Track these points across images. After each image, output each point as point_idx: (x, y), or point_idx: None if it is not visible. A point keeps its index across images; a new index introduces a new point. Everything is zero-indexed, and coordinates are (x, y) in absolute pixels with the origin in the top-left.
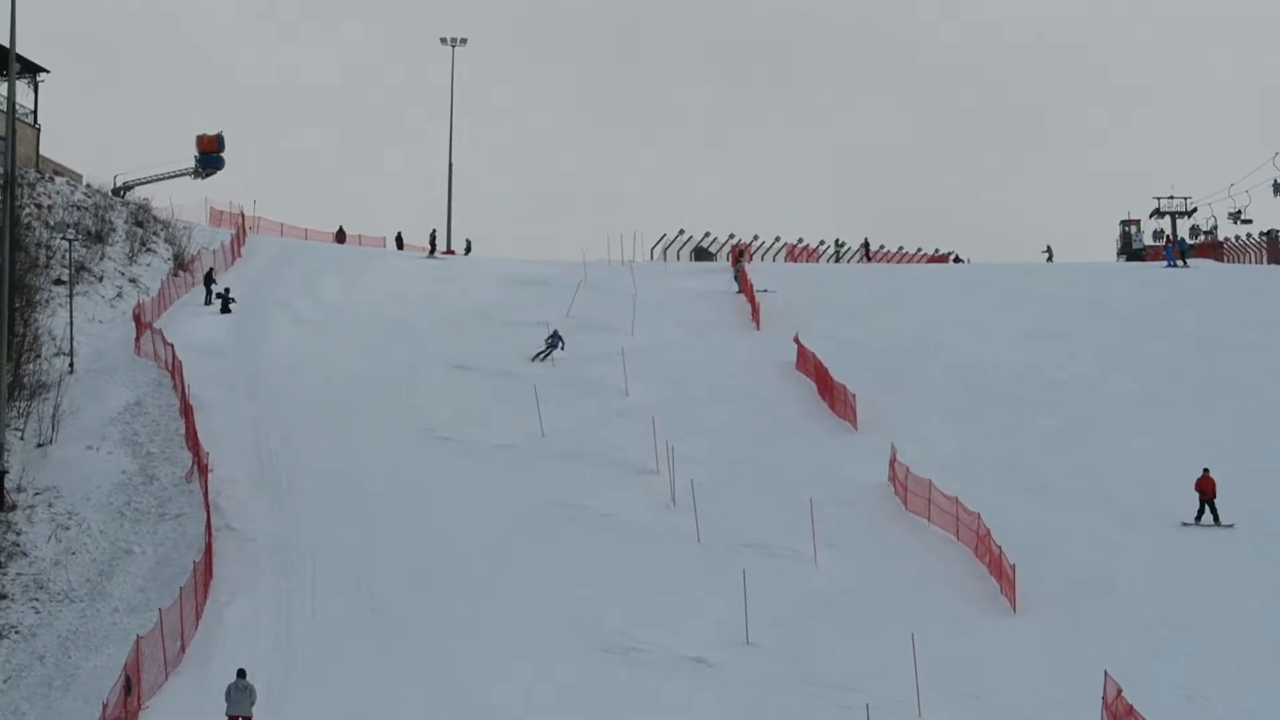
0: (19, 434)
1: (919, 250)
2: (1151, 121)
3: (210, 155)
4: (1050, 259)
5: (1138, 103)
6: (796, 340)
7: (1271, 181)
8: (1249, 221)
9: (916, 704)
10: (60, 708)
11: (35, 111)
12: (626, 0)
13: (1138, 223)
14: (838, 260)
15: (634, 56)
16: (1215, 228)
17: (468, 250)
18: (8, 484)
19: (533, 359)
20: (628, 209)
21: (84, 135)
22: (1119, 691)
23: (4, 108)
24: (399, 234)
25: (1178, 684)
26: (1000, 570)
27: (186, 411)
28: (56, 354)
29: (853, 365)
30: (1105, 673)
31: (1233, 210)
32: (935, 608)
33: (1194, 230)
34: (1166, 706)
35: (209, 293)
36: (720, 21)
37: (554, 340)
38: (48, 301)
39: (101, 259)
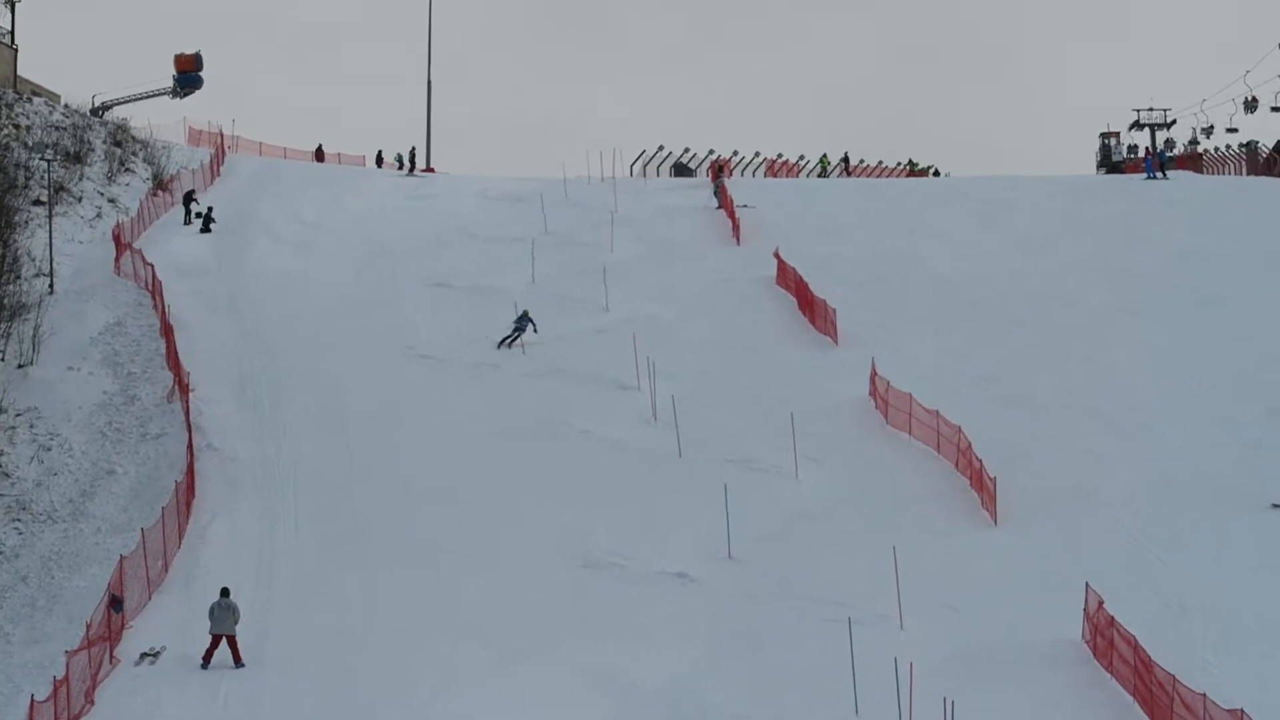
0: (0, 355)
1: (898, 164)
2: (1131, 33)
3: (188, 75)
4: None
5: (1116, 14)
6: (777, 255)
7: (1243, 98)
8: (1235, 130)
9: (898, 616)
10: (45, 627)
11: (12, 32)
12: None
13: (1117, 135)
14: (824, 175)
15: None
16: (1195, 140)
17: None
18: None
19: (499, 345)
20: (607, 126)
21: (62, 55)
22: (1100, 603)
23: None
24: (379, 152)
25: (1159, 594)
26: (981, 483)
27: (167, 331)
28: (36, 275)
29: (833, 280)
30: (1086, 584)
31: (1205, 126)
32: (916, 521)
33: (1169, 143)
34: (1147, 617)
35: (188, 212)
36: None
37: (522, 322)
38: (27, 222)
39: (80, 179)
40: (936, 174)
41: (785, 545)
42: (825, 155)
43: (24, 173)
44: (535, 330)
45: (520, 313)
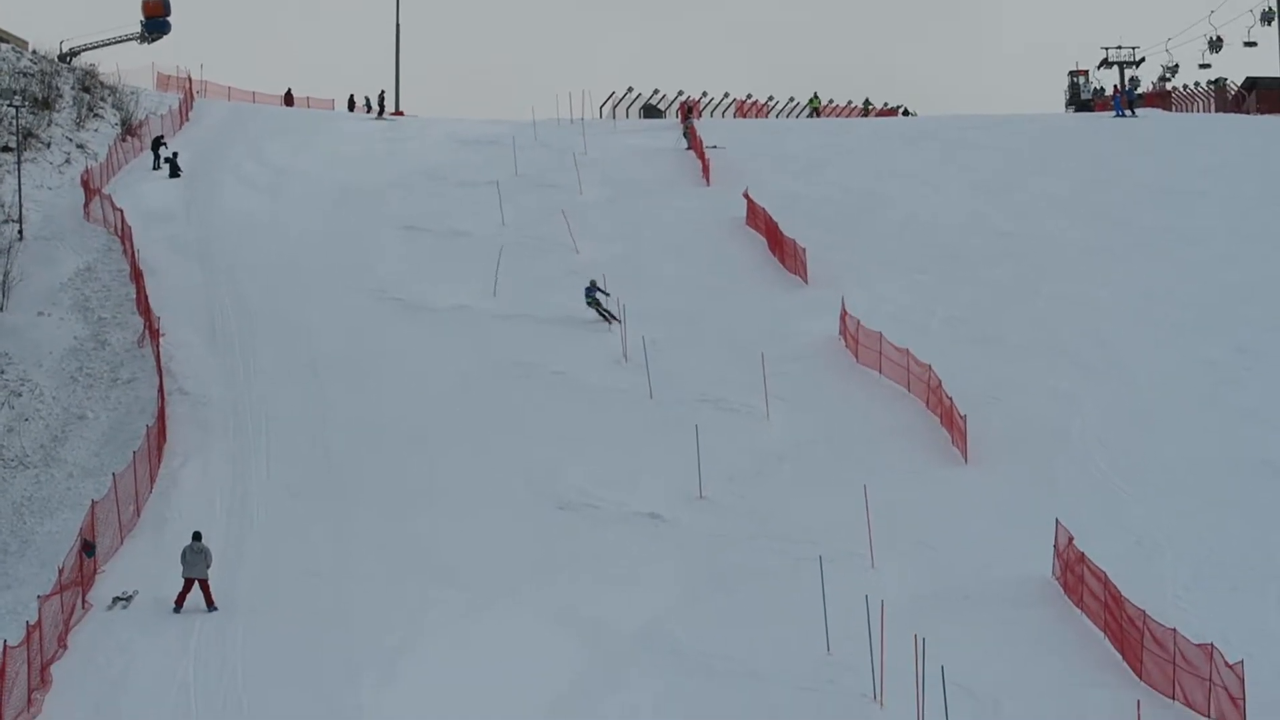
0: None
1: (867, 104)
2: None
3: (156, 20)
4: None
5: None
6: (746, 196)
7: (1208, 38)
8: (1208, 66)
9: (870, 554)
10: (16, 573)
11: None
12: None
13: (1085, 73)
14: (816, 114)
15: None
16: (1165, 78)
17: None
18: None
19: (602, 315)
20: (576, 69)
21: (29, 1)
22: (1070, 539)
23: None
24: (350, 96)
25: (1129, 531)
26: (952, 421)
27: (137, 276)
28: (5, 221)
29: (803, 220)
30: (1057, 521)
31: (1170, 64)
32: (887, 459)
33: (1134, 81)
34: (1118, 554)
35: (157, 158)
36: None
37: (592, 293)
38: None
39: (49, 125)
40: (906, 114)
41: (757, 485)
42: (816, 95)
43: None
44: (607, 294)
45: (589, 283)
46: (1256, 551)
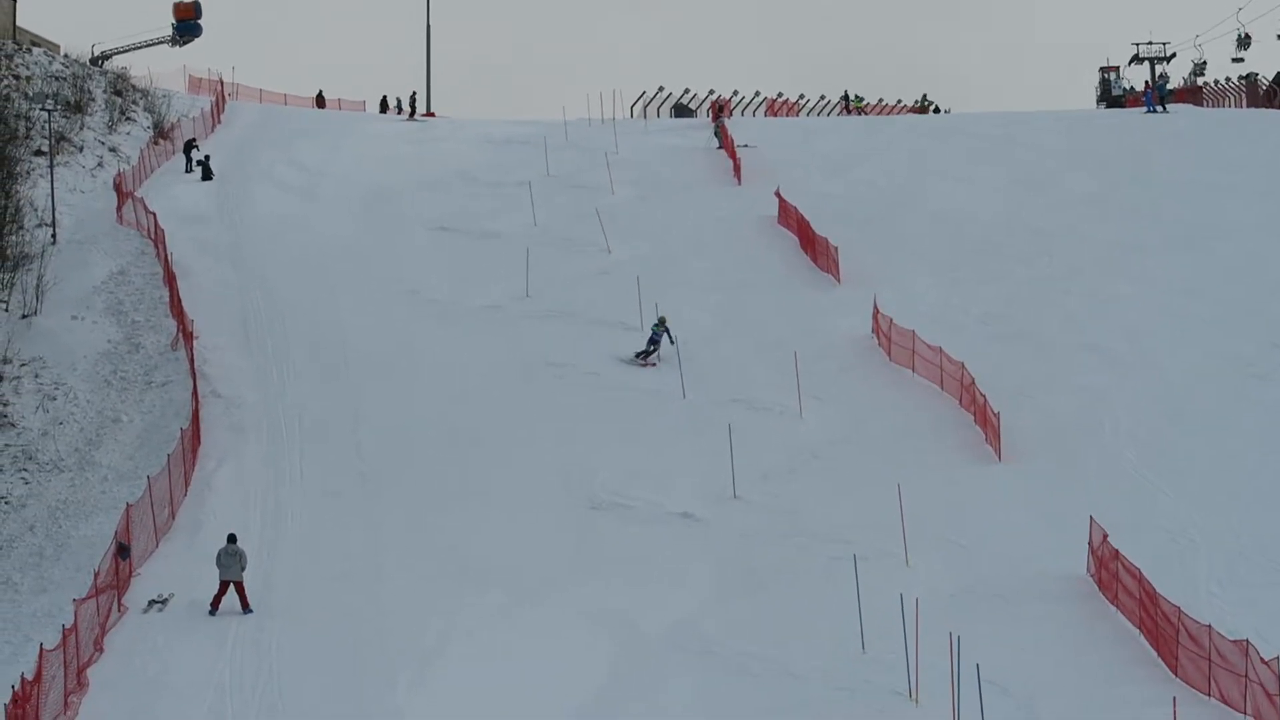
0: (3, 306)
1: (899, 102)
2: None
3: (187, 22)
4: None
5: None
6: (778, 195)
7: (1237, 34)
8: (1241, 60)
9: (904, 552)
10: (52, 576)
11: None
12: None
13: (1117, 69)
14: (854, 111)
15: None
16: (1197, 73)
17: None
18: None
19: (634, 358)
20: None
21: (60, 5)
22: (1105, 536)
23: None
24: (383, 97)
25: (1163, 528)
26: (985, 419)
27: (170, 279)
28: (39, 225)
29: (834, 218)
30: (1091, 518)
31: (1199, 60)
32: (921, 457)
33: (1163, 76)
34: (1152, 550)
35: (189, 160)
36: None
37: (658, 333)
38: (28, 173)
39: (81, 129)
40: (937, 111)
41: (790, 484)
42: (857, 95)
43: (25, 123)
44: (673, 341)
45: (656, 320)
46: None
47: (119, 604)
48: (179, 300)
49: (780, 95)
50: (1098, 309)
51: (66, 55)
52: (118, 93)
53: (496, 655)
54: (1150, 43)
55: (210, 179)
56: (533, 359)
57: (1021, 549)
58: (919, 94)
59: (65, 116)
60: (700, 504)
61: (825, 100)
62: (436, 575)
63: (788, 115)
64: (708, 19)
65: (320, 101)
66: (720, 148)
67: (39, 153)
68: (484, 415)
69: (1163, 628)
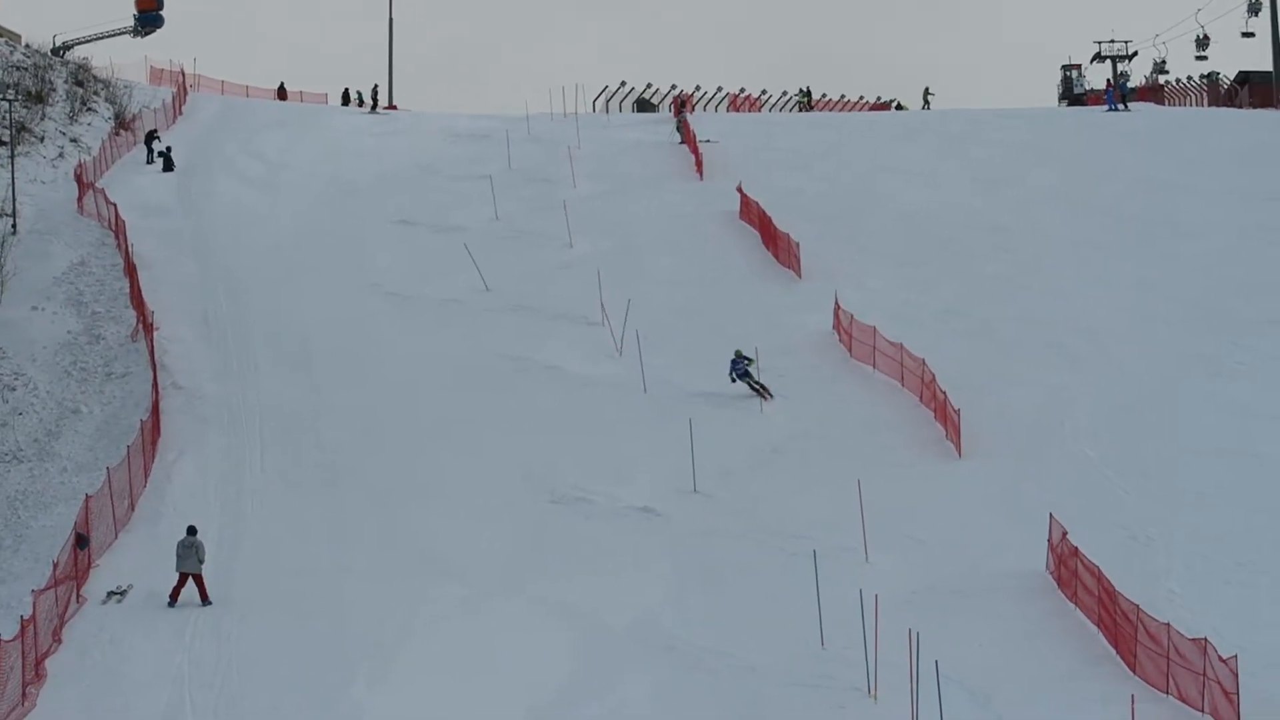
0: None
1: (860, 98)
2: None
3: (149, 14)
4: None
5: None
6: (740, 190)
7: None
8: (1204, 58)
9: (863, 548)
10: (11, 567)
11: None
12: None
13: (1079, 67)
14: (807, 107)
15: None
16: (1159, 71)
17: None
18: None
19: (755, 390)
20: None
21: None
22: (1064, 533)
23: None
24: (345, 90)
25: (1122, 525)
26: (945, 415)
27: (131, 270)
28: None
29: (796, 214)
30: (1050, 515)
31: (1157, 59)
32: (881, 453)
33: (1124, 75)
34: (1111, 547)
35: (150, 152)
36: None
37: (739, 365)
38: None
39: (42, 119)
40: (899, 108)
41: (750, 479)
42: (808, 88)
43: None
44: (751, 362)
45: (734, 354)
46: (1249, 545)
47: (78, 595)
48: (139, 291)
49: (743, 91)
50: (1058, 306)
51: (28, 45)
52: (79, 83)
53: (457, 649)
54: (1112, 41)
55: (171, 170)
56: (493, 353)
57: (981, 546)
58: (870, 92)
59: (26, 107)
60: (661, 499)
61: (786, 95)
62: (397, 568)
63: (750, 111)
64: (671, 14)
65: (282, 94)
66: (682, 143)
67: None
68: (445, 408)
69: (1121, 625)
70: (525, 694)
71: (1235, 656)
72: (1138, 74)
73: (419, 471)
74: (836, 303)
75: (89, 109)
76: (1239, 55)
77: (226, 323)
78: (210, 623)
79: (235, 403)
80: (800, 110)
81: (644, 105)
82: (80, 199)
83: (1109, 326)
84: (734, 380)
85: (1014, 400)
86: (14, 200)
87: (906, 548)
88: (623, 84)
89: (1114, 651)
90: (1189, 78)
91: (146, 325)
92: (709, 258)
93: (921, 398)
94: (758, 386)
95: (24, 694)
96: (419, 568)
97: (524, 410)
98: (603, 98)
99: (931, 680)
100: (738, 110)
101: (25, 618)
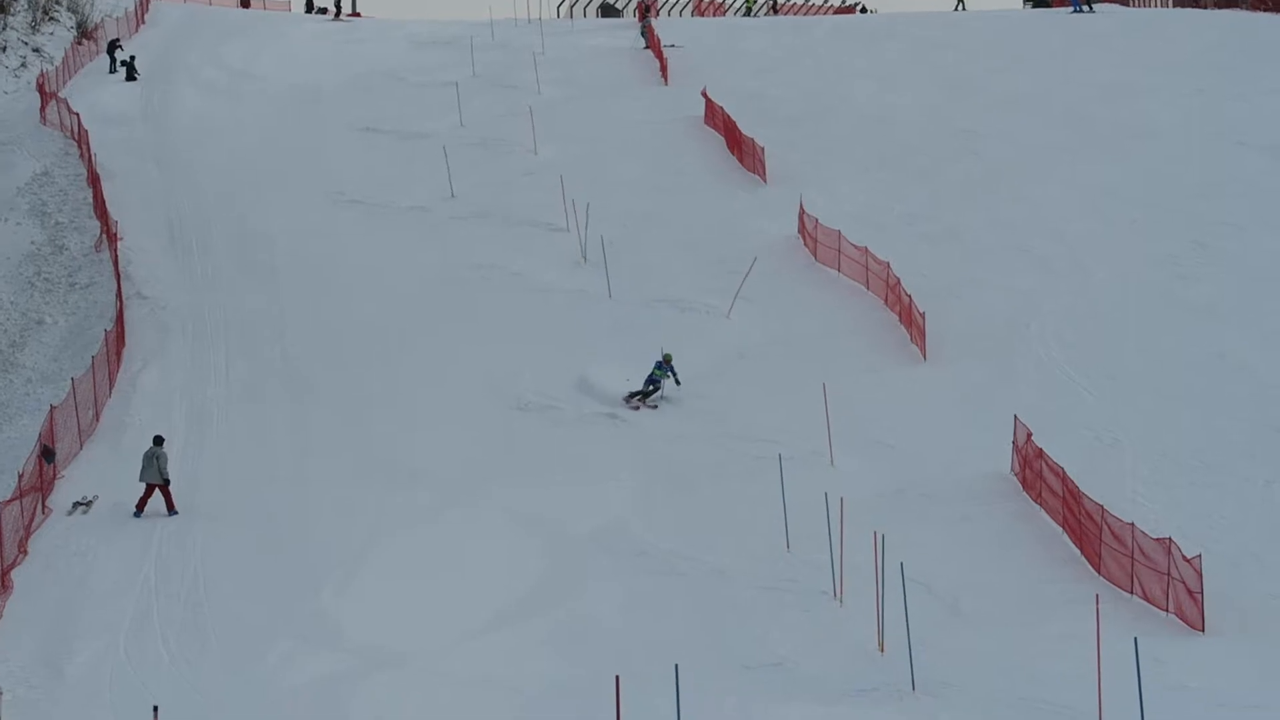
0: None
1: (825, 2)
2: None
3: None
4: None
5: None
6: (704, 95)
7: None
8: None
9: (829, 452)
10: None
11: None
12: None
13: None
14: (749, 14)
15: None
16: None
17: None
18: None
19: (628, 399)
20: None
21: None
22: (1029, 435)
23: None
24: None
25: (1087, 427)
26: (910, 319)
27: (94, 180)
28: None
29: (761, 119)
30: (1015, 417)
31: None
32: (846, 357)
33: None
34: (1076, 449)
35: (113, 61)
36: None
37: (661, 374)
38: None
39: (4, 29)
40: (864, 11)
41: (716, 384)
42: None
43: None
44: (678, 383)
45: (659, 359)
46: (1213, 446)
47: (43, 506)
48: (103, 202)
49: None
50: (1023, 210)
51: None
52: None
53: (423, 556)
54: None
55: (135, 80)
56: (459, 260)
57: (946, 449)
58: None
59: None
60: (627, 405)
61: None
62: (362, 477)
63: (715, 16)
64: None
65: (245, 2)
66: (647, 48)
67: None
68: (410, 317)
69: (1086, 526)
70: (492, 599)
71: (1199, 556)
72: None
73: (384, 380)
74: (801, 207)
75: (51, 18)
76: None
77: (191, 232)
78: (176, 533)
79: (200, 313)
80: (765, 15)
81: (608, 10)
82: (43, 109)
83: (1075, 230)
84: (652, 377)
85: (980, 304)
86: None
87: (872, 451)
88: None
89: (1079, 552)
90: None
91: (110, 235)
92: (674, 163)
93: (887, 301)
94: (651, 390)
95: None
96: (385, 476)
97: (489, 318)
98: (567, 3)
99: (897, 583)
100: (702, 15)
101: None
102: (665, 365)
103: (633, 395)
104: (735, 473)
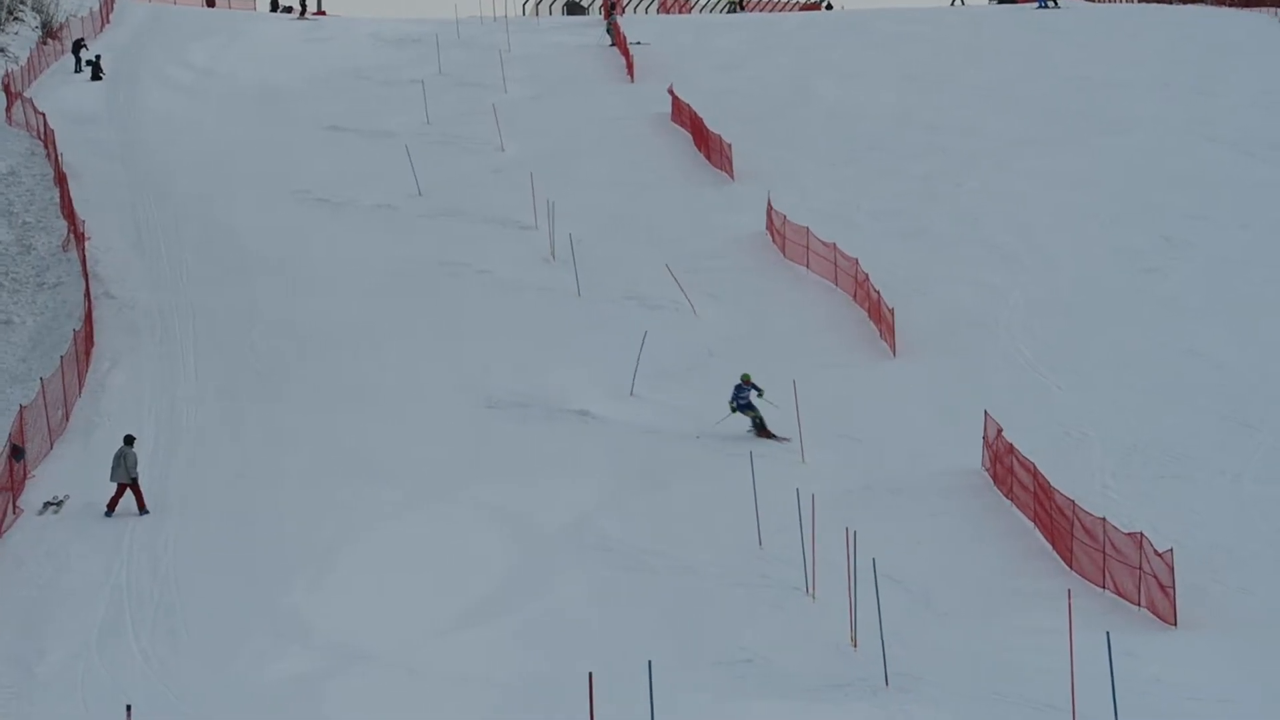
0: None
1: (790, 0)
2: None
3: None
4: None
5: None
6: (671, 92)
7: None
8: None
9: (800, 449)
10: None
11: None
12: None
13: None
14: (738, 8)
15: None
16: None
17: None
18: None
19: (759, 433)
20: None
21: None
22: (999, 430)
23: None
24: None
25: (1058, 422)
26: (879, 314)
27: (61, 180)
28: None
29: (728, 115)
30: (985, 412)
31: None
32: (816, 354)
33: None
34: (1046, 444)
35: (78, 61)
36: None
37: (743, 395)
38: None
39: None
40: (829, 8)
41: (686, 381)
42: None
43: None
44: (761, 394)
45: (738, 382)
46: (1183, 440)
47: (14, 506)
48: (70, 201)
49: None
50: (991, 204)
51: None
52: None
53: (394, 552)
54: None
55: (100, 79)
56: (426, 258)
57: (917, 444)
58: None
59: None
60: (597, 402)
61: None
62: (333, 474)
63: (681, 13)
64: None
65: (210, 1)
66: (613, 45)
67: None
68: (378, 315)
69: (1058, 521)
70: (462, 595)
71: (1171, 550)
72: None
73: (353, 377)
74: (769, 204)
75: (15, 18)
76: None
77: (158, 231)
78: (148, 532)
79: (168, 311)
80: (731, 12)
81: (574, 8)
82: (9, 108)
83: (1042, 224)
84: (734, 410)
85: (948, 299)
86: None
87: (843, 447)
88: None
89: (1050, 547)
90: None
91: (78, 235)
92: (641, 160)
93: (855, 297)
94: (759, 422)
95: None
96: (355, 473)
97: (458, 316)
98: (532, 1)
99: (869, 578)
100: (668, 13)
101: None
102: (748, 386)
103: (758, 430)
104: (706, 469)
